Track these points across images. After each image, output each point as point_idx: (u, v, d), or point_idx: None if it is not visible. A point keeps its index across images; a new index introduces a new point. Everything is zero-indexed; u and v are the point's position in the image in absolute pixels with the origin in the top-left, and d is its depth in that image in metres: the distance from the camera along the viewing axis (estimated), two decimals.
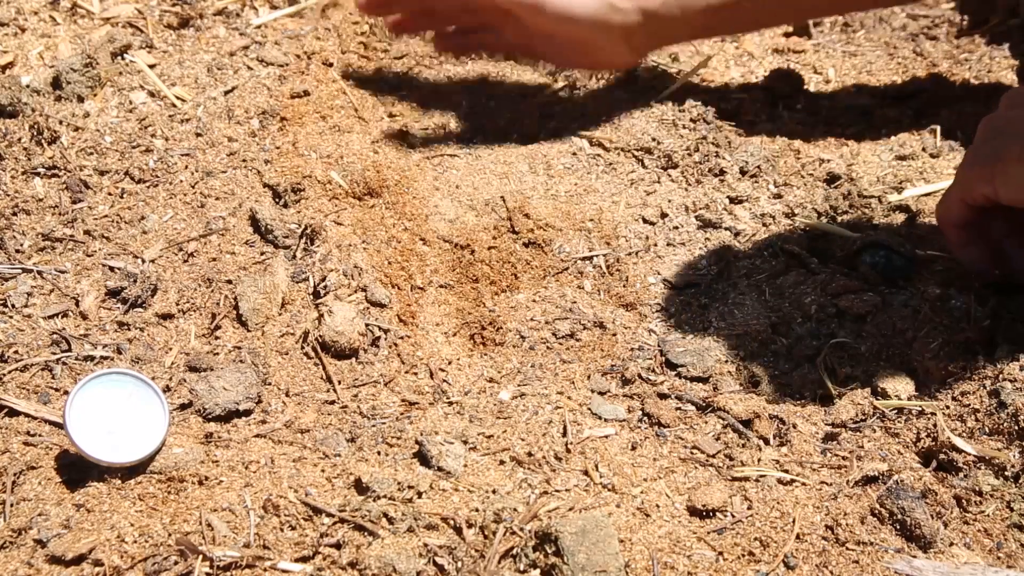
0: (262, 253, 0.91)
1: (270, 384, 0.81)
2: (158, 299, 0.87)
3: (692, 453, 0.75)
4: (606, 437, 0.76)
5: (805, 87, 1.11)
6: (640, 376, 0.81)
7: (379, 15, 1.11)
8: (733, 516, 0.70)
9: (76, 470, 0.72)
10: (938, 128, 1.08)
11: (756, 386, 0.82)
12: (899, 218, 0.96)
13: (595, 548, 0.63)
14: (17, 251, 0.89)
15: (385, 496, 0.69)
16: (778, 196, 0.99)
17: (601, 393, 0.81)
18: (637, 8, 0.99)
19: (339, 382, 0.81)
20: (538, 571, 0.64)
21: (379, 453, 0.75)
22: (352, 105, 1.07)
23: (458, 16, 1.09)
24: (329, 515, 0.68)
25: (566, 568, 0.63)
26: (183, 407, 0.78)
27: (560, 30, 1.00)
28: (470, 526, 0.67)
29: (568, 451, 0.74)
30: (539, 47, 1.06)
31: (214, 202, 0.95)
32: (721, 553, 0.67)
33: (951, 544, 0.68)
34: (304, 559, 0.66)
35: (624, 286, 0.93)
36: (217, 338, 0.84)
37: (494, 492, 0.70)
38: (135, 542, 0.67)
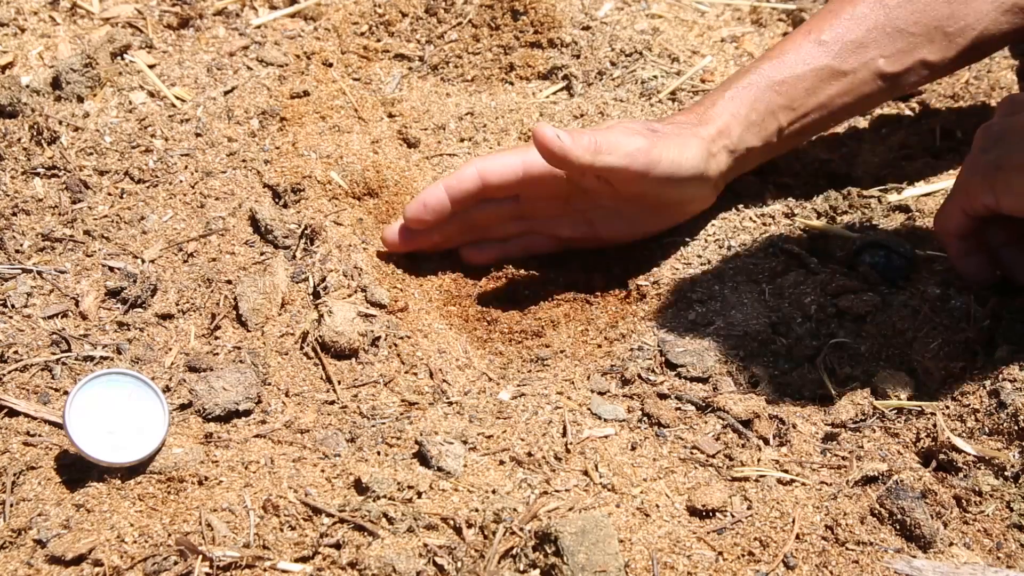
0: (262, 253, 0.91)
1: (270, 384, 0.81)
2: (158, 299, 0.87)
3: (692, 453, 0.75)
4: (606, 437, 0.76)
5: None
6: (640, 376, 0.81)
7: (415, 249, 0.94)
8: (733, 516, 0.70)
9: (76, 470, 0.72)
10: (938, 128, 1.08)
11: (756, 386, 0.82)
12: (899, 218, 0.96)
13: (595, 548, 0.63)
14: (17, 251, 0.89)
15: (385, 496, 0.69)
16: (778, 196, 1.00)
17: (601, 393, 0.81)
18: (724, 149, 0.91)
19: (339, 382, 0.81)
20: (538, 571, 0.64)
21: (379, 453, 0.75)
22: (352, 105, 1.07)
23: (505, 224, 0.95)
24: (329, 515, 0.68)
25: (566, 568, 0.63)
26: (183, 407, 0.78)
27: (660, 192, 0.89)
28: (470, 526, 0.67)
29: (568, 451, 0.74)
30: (607, 225, 0.94)
31: (214, 202, 0.95)
32: (721, 553, 0.67)
33: (951, 544, 0.68)
34: (304, 559, 0.66)
35: (624, 285, 0.93)
36: (217, 338, 0.84)
37: (494, 492, 0.70)
38: (135, 542, 0.67)
